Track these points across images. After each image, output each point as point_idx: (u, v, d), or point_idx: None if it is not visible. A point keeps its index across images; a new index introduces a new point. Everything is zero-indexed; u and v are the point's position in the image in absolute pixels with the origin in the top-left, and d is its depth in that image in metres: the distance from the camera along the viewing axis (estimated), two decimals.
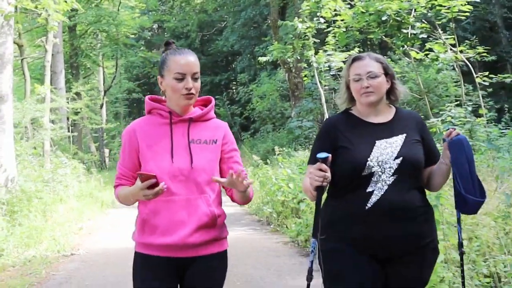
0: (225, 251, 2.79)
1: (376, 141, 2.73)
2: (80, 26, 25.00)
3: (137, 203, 2.78)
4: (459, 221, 2.87)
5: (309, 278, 2.69)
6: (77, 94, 20.69)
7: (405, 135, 2.76)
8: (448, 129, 2.76)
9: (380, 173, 2.66)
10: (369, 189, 2.65)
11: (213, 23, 37.93)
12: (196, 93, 2.71)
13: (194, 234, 2.64)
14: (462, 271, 2.99)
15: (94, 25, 24.32)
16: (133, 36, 30.00)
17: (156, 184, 2.51)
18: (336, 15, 10.99)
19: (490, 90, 14.55)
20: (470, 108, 10.00)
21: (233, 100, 32.42)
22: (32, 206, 9.93)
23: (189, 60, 2.69)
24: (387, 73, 2.82)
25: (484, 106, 14.45)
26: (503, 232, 5.00)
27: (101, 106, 27.40)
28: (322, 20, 11.85)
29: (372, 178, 2.66)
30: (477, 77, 10.11)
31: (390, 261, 2.68)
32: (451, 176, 2.78)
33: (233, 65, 35.46)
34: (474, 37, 15.15)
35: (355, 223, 2.65)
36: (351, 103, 2.89)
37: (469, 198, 2.67)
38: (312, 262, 2.68)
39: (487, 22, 25.73)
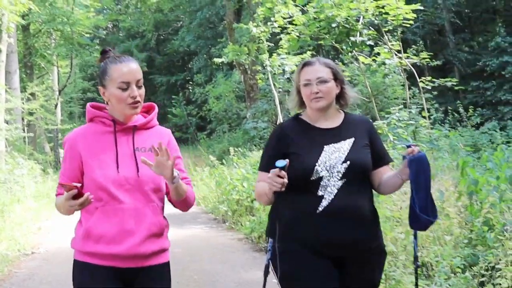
0: (168, 263, 2.77)
1: (325, 146, 2.79)
2: (34, 25, 24.77)
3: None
4: (415, 236, 2.93)
5: (266, 272, 2.78)
6: (32, 94, 20.58)
7: (353, 139, 2.83)
8: (409, 146, 2.73)
9: (328, 178, 2.73)
10: (320, 193, 2.72)
11: (169, 23, 37.98)
12: (141, 101, 2.67)
13: (143, 244, 2.60)
14: (416, 284, 3.05)
15: (48, 24, 24.11)
16: (88, 35, 29.85)
17: (81, 195, 2.44)
18: (289, 21, 11.42)
19: (435, 92, 15.30)
20: (414, 111, 10.57)
21: (189, 100, 32.58)
22: None
23: (132, 67, 2.64)
24: (337, 78, 2.87)
25: (429, 108, 15.21)
26: (437, 226, 5.50)
27: (56, 106, 27.19)
28: (275, 24, 12.24)
29: (321, 183, 2.73)
30: (420, 81, 10.70)
31: (343, 263, 2.75)
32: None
33: (190, 65, 35.60)
34: (421, 42, 15.87)
35: (307, 226, 2.72)
36: (302, 106, 2.94)
37: (422, 217, 2.71)
38: (269, 260, 2.77)
39: (436, 26, 26.64)
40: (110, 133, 2.67)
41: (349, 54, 10.88)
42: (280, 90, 15.25)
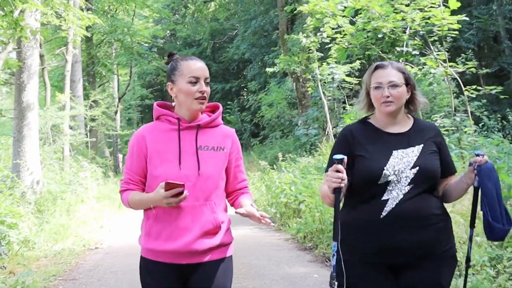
0: (230, 257, 2.83)
1: (393, 151, 2.75)
2: (96, 36, 26.03)
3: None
4: (471, 238, 2.93)
5: (332, 283, 2.63)
6: (95, 101, 21.70)
7: (422, 145, 2.78)
8: (477, 154, 2.72)
9: (396, 182, 2.69)
10: (384, 197, 2.69)
11: (224, 31, 38.76)
12: (207, 98, 2.77)
13: (197, 241, 2.67)
14: (465, 282, 3.02)
15: (110, 35, 25.31)
16: (146, 44, 31.02)
17: (181, 192, 2.57)
18: (337, 32, 11.87)
19: (484, 100, 15.38)
20: (459, 118, 10.82)
21: (243, 107, 33.27)
22: (57, 205, 10.90)
23: (201, 64, 2.77)
24: (408, 83, 2.83)
25: (479, 115, 15.32)
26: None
27: (116, 113, 28.39)
28: (325, 35, 12.71)
29: (388, 187, 2.69)
30: (465, 89, 10.94)
31: (405, 268, 2.71)
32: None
33: (244, 73, 36.27)
34: (470, 51, 15.94)
35: (369, 231, 2.70)
36: (370, 109, 2.92)
37: (496, 226, 2.69)
38: (334, 266, 2.65)
39: (491, 33, 26.37)
40: (174, 131, 2.76)
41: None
42: (330, 98, 15.67)
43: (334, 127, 15.98)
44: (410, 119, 2.90)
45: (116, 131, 25.63)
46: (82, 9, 18.35)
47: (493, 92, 11.49)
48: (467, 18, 11.31)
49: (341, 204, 2.77)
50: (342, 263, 2.63)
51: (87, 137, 19.69)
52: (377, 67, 2.84)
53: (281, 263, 7.19)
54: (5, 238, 7.98)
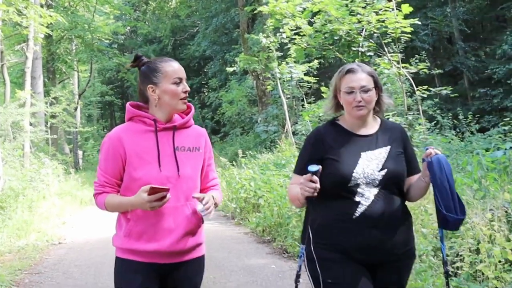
0: (203, 256, 2.92)
1: (362, 153, 2.81)
2: (56, 32, 25.84)
3: None
4: (442, 239, 2.93)
5: (297, 280, 2.80)
6: (55, 98, 21.61)
7: (389, 147, 2.84)
8: (427, 148, 2.78)
9: (365, 184, 2.75)
10: (356, 199, 2.74)
11: (186, 28, 38.74)
12: None
13: (181, 241, 2.72)
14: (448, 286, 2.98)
15: (70, 31, 25.19)
16: (107, 41, 30.92)
17: (164, 196, 2.60)
18: (296, 33, 12.26)
19: (436, 99, 15.99)
20: (411, 117, 11.35)
21: (204, 104, 33.42)
22: (19, 202, 10.99)
23: (180, 66, 2.82)
24: (377, 86, 2.87)
25: (433, 114, 15.92)
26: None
27: (76, 109, 28.26)
28: (284, 35, 13.10)
29: (358, 189, 2.74)
30: (417, 89, 11.47)
31: (375, 269, 2.78)
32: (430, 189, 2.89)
33: (205, 70, 36.39)
34: (423, 52, 16.54)
35: (343, 232, 2.74)
36: (337, 110, 2.97)
37: (450, 217, 2.74)
38: (300, 266, 2.79)
39: (445, 34, 27.20)
40: (151, 132, 2.76)
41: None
42: (289, 96, 16.08)
43: (293, 124, 16.39)
44: (377, 120, 2.95)
45: (76, 127, 25.54)
46: (42, 6, 18.33)
47: (444, 92, 12.01)
48: (419, 22, 11.86)
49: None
50: (319, 260, 2.73)
51: (47, 134, 19.62)
52: (348, 71, 2.87)
53: (241, 255, 7.54)
54: None
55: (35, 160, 16.01)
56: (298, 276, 2.80)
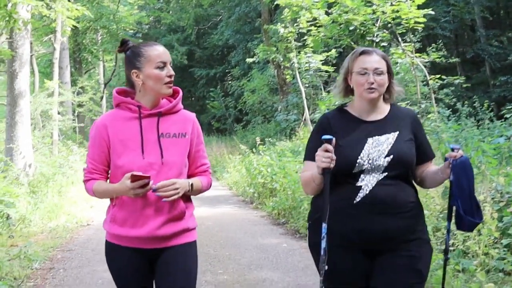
0: (194, 242, 2.88)
1: (368, 138, 2.76)
2: (82, 23, 26.51)
3: None
4: (448, 231, 2.90)
5: (323, 267, 2.69)
6: (82, 87, 22.32)
7: (397, 132, 2.78)
8: (453, 149, 2.70)
9: (370, 170, 2.71)
10: (358, 184, 2.71)
11: (209, 17, 39.04)
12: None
13: (162, 227, 2.73)
14: (444, 275, 2.99)
15: (96, 22, 25.82)
16: (131, 31, 31.53)
17: (147, 184, 2.61)
18: (312, 24, 12.67)
19: (452, 88, 16.21)
20: (423, 105, 11.69)
21: (227, 93, 33.88)
22: (49, 187, 11.64)
23: (165, 49, 2.78)
24: (389, 71, 2.82)
25: (450, 103, 16.17)
26: None
27: (101, 98, 28.99)
28: (301, 25, 13.51)
29: (362, 175, 2.71)
30: (430, 79, 11.80)
31: (380, 254, 2.74)
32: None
33: (228, 58, 36.75)
34: (440, 41, 16.76)
35: (343, 217, 2.71)
36: (346, 95, 2.91)
37: (466, 219, 2.73)
38: (324, 249, 2.69)
39: (467, 21, 27.18)
40: (135, 119, 2.75)
41: None
42: (307, 85, 16.48)
43: (312, 113, 16.79)
44: (387, 105, 2.89)
45: None
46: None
47: (457, 82, 12.30)
48: (433, 12, 12.16)
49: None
50: (314, 246, 2.76)
51: (75, 122, 20.34)
52: (362, 53, 2.83)
53: (256, 235, 8.06)
54: (3, 216, 8.74)
55: (63, 148, 16.71)
56: (324, 261, 2.70)
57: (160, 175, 2.68)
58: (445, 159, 2.73)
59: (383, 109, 2.86)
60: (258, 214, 10.13)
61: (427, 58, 12.21)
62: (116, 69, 32.51)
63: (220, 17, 37.31)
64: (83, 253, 7.26)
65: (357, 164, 2.71)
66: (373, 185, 2.70)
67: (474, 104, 16.57)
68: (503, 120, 17.07)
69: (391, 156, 2.72)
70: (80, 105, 22.50)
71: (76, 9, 13.12)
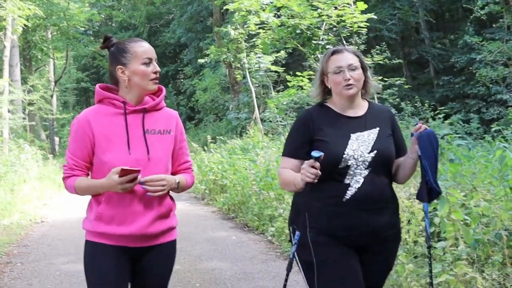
0: (175, 240, 2.87)
1: (351, 135, 2.78)
2: (32, 20, 26.29)
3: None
4: (426, 214, 2.94)
5: (289, 268, 2.76)
6: (32, 86, 22.21)
7: (378, 129, 2.82)
8: (417, 123, 2.79)
9: (355, 166, 2.72)
10: (346, 181, 2.72)
11: (161, 15, 39.06)
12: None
13: (152, 224, 2.69)
14: (430, 264, 3.03)
15: (46, 20, 25.65)
16: (82, 28, 31.35)
17: (135, 178, 2.56)
18: (260, 27, 13.13)
19: (395, 88, 16.99)
20: None
21: (179, 91, 34.01)
22: (1, 185, 11.76)
23: (150, 45, 2.76)
24: (363, 66, 2.85)
25: (392, 102, 16.91)
26: None
27: (52, 96, 28.78)
28: (250, 28, 13.97)
29: (348, 171, 2.72)
30: (373, 80, 12.42)
31: (365, 251, 2.78)
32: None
33: (181, 57, 36.81)
34: (383, 43, 17.48)
35: (333, 214, 2.72)
36: (324, 96, 2.92)
37: (434, 188, 2.79)
38: (294, 253, 2.76)
39: (412, 23, 28.17)
40: (120, 115, 2.71)
41: (312, 56, 12.63)
42: (257, 84, 16.97)
43: (263, 111, 17.28)
44: (365, 102, 2.92)
45: (53, 114, 26.13)
46: None
47: (397, 83, 12.99)
48: (375, 17, 12.81)
49: None
50: (310, 243, 2.71)
51: (25, 120, 20.26)
52: (333, 52, 2.87)
53: (206, 229, 8.48)
54: None
55: (13, 146, 16.72)
56: (290, 263, 2.77)
57: (146, 172, 2.63)
58: (411, 135, 2.79)
59: (362, 106, 2.90)
60: (209, 210, 10.55)
61: (370, 60, 12.85)
62: (66, 67, 32.32)
63: (172, 15, 37.33)
64: (39, 248, 7.52)
65: (343, 159, 2.72)
66: (361, 182, 2.72)
67: (416, 104, 17.44)
68: (441, 119, 17.97)
69: (375, 152, 2.76)
70: (30, 103, 22.40)
71: (28, 8, 13.23)
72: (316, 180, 2.59)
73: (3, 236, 8.28)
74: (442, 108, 19.63)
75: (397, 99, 17.37)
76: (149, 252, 2.75)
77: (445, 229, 4.67)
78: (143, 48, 2.70)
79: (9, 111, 18.67)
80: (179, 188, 2.78)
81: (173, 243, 2.84)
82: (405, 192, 6.08)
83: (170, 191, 2.80)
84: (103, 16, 38.56)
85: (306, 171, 2.58)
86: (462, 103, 23.46)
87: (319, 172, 2.58)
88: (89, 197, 2.79)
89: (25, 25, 19.89)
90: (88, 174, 2.77)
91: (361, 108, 2.87)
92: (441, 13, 28.84)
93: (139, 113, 2.73)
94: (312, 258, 2.70)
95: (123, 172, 2.52)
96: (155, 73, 2.71)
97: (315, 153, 2.57)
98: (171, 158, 2.81)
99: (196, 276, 5.80)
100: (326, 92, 2.90)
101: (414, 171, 2.89)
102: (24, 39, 25.74)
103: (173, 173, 2.83)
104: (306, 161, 2.62)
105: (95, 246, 2.71)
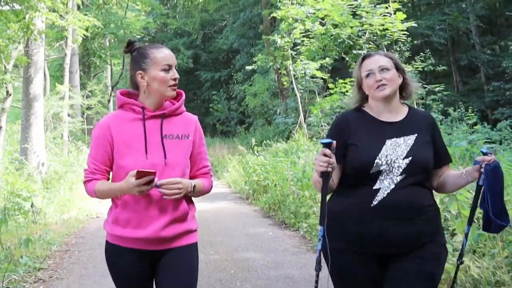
0: (196, 244, 2.87)
1: (387, 140, 2.72)
2: (91, 29, 27.65)
3: None
4: (466, 236, 2.92)
5: (318, 268, 2.67)
6: (90, 91, 23.45)
7: (416, 135, 2.73)
8: (485, 153, 2.69)
9: (387, 172, 2.66)
10: (376, 187, 2.66)
11: (214, 22, 39.94)
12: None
13: (166, 228, 2.72)
14: (455, 277, 3.05)
15: (105, 29, 26.90)
16: (138, 36, 32.60)
17: (152, 180, 2.58)
18: (305, 36, 13.71)
19: (439, 94, 17.20)
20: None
21: (230, 96, 34.86)
22: (61, 184, 12.74)
23: (171, 52, 2.77)
24: (398, 68, 2.80)
25: (436, 107, 17.11)
26: None
27: (109, 101, 30.08)
28: (295, 36, 14.57)
29: (380, 176, 2.66)
30: None
31: (395, 259, 2.69)
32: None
33: (234, 62, 37.55)
34: (428, 51, 17.69)
35: (359, 221, 2.67)
36: (364, 102, 2.90)
37: (495, 222, 2.73)
38: (320, 251, 2.69)
39: (462, 29, 28.09)
40: (139, 120, 2.74)
41: (354, 64, 13.10)
42: (302, 90, 17.54)
43: (308, 117, 17.82)
44: (405, 107, 2.85)
45: None
46: (79, 7, 20.07)
47: (437, 90, 13.29)
48: (415, 25, 13.15)
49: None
50: (328, 249, 2.64)
51: (84, 124, 21.44)
52: (364, 58, 2.86)
53: (246, 225, 9.12)
54: (21, 209, 9.79)
55: (72, 148, 17.85)
56: (319, 262, 2.69)
57: (163, 176, 2.66)
58: (475, 162, 2.72)
59: (401, 111, 2.83)
60: (252, 209, 11.19)
61: (409, 68, 13.21)
62: (123, 73, 33.61)
63: (225, 22, 38.12)
64: (94, 239, 8.30)
65: (374, 165, 2.67)
66: (391, 188, 2.66)
67: (459, 110, 17.57)
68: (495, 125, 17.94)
69: (410, 158, 2.68)
70: (88, 108, 23.63)
71: (87, 20, 14.19)
72: (329, 169, 2.55)
73: (63, 229, 9.12)
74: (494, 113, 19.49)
75: (441, 105, 17.58)
76: (167, 255, 2.78)
77: (454, 224, 5.11)
78: (163, 54, 2.73)
79: (68, 115, 19.88)
80: (195, 192, 2.80)
81: (192, 246, 2.85)
82: None
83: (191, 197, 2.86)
84: (158, 24, 39.82)
85: (319, 160, 2.56)
86: None
87: (332, 160, 2.54)
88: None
89: (84, 34, 21.13)
90: (108, 178, 2.82)
91: (399, 113, 2.81)
92: (493, 18, 28.62)
93: (157, 118, 2.77)
94: (335, 271, 2.72)
95: (140, 175, 2.55)
96: (174, 79, 2.74)
97: (323, 140, 2.57)
98: (189, 163, 2.83)
99: (231, 264, 6.43)
100: (365, 98, 2.88)
101: (460, 188, 2.92)
102: (83, 47, 27.07)
103: (191, 178, 2.86)
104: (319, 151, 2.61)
105: (114, 248, 2.80)
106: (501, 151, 9.57)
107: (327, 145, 2.55)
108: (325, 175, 2.60)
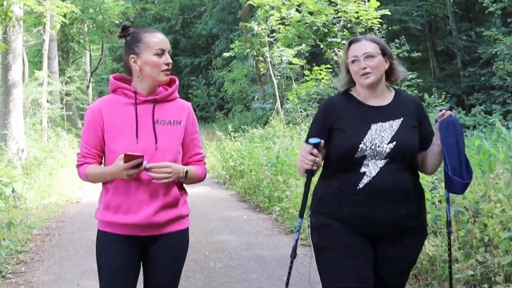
0: (187, 229, 2.88)
1: (372, 124, 2.73)
2: (69, 14, 27.55)
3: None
4: (448, 200, 2.93)
5: (293, 255, 2.80)
6: (69, 77, 23.47)
7: (401, 119, 2.75)
8: (441, 110, 2.74)
9: (372, 156, 2.69)
10: (362, 170, 2.69)
11: (194, 7, 39.83)
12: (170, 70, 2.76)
13: (157, 214, 2.71)
14: (449, 249, 3.03)
15: (82, 14, 26.82)
16: (117, 21, 32.51)
17: (140, 163, 2.58)
18: (281, 23, 13.97)
19: (413, 81, 17.57)
20: None
21: (209, 82, 34.93)
22: (41, 169, 12.90)
23: (164, 37, 2.76)
24: (385, 53, 2.79)
25: (411, 93, 17.50)
26: None
27: (88, 87, 30.06)
28: (270, 24, 14.83)
29: (364, 161, 2.69)
30: None
31: (382, 240, 2.74)
32: None
33: (213, 47, 37.50)
34: (402, 37, 18.03)
35: (346, 202, 2.70)
36: (351, 85, 2.89)
37: (455, 179, 2.70)
38: (296, 240, 2.76)
39: (439, 15, 28.44)
40: (131, 105, 2.74)
41: (329, 51, 13.41)
42: (279, 77, 17.83)
43: (285, 103, 18.11)
44: (391, 91, 2.87)
45: (89, 104, 27.38)
46: None
47: (409, 77, 13.66)
48: (389, 13, 13.46)
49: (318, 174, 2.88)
50: (320, 227, 2.75)
51: (63, 110, 21.52)
52: (351, 42, 2.86)
53: (222, 209, 9.45)
54: (2, 194, 9.97)
55: (52, 134, 17.98)
56: (294, 250, 2.81)
57: (153, 161, 2.65)
58: (435, 121, 2.74)
59: (387, 95, 2.85)
60: (228, 193, 11.51)
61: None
62: (102, 58, 33.59)
63: (205, 7, 37.93)
64: (74, 223, 8.55)
65: (359, 150, 2.69)
66: (377, 171, 2.68)
67: (433, 96, 17.98)
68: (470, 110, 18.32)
69: (394, 143, 2.70)
70: (67, 94, 23.68)
71: (66, 7, 14.29)
72: (315, 168, 2.62)
73: (43, 213, 9.34)
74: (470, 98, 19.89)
75: (415, 91, 17.95)
76: (158, 241, 2.78)
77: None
78: (156, 38, 2.72)
79: (47, 101, 19.95)
80: (188, 178, 2.78)
81: (183, 232, 2.86)
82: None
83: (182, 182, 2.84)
84: (137, 9, 39.61)
85: (304, 158, 2.61)
86: (488, 94, 23.73)
87: (318, 160, 2.61)
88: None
89: (62, 21, 21.13)
90: (100, 163, 2.83)
91: (385, 97, 2.83)
92: (470, 5, 28.95)
93: (149, 103, 2.76)
94: (320, 242, 2.76)
95: (127, 158, 2.55)
96: (167, 64, 2.72)
97: (312, 140, 2.59)
98: (181, 149, 2.82)
99: (206, 246, 6.74)
100: (352, 81, 2.88)
101: (440, 159, 2.81)
102: (62, 33, 26.94)
103: (185, 165, 2.82)
104: (304, 147, 2.68)
105: (105, 235, 2.78)
106: (472, 136, 9.92)
107: (315, 145, 2.60)
108: (309, 173, 2.68)
